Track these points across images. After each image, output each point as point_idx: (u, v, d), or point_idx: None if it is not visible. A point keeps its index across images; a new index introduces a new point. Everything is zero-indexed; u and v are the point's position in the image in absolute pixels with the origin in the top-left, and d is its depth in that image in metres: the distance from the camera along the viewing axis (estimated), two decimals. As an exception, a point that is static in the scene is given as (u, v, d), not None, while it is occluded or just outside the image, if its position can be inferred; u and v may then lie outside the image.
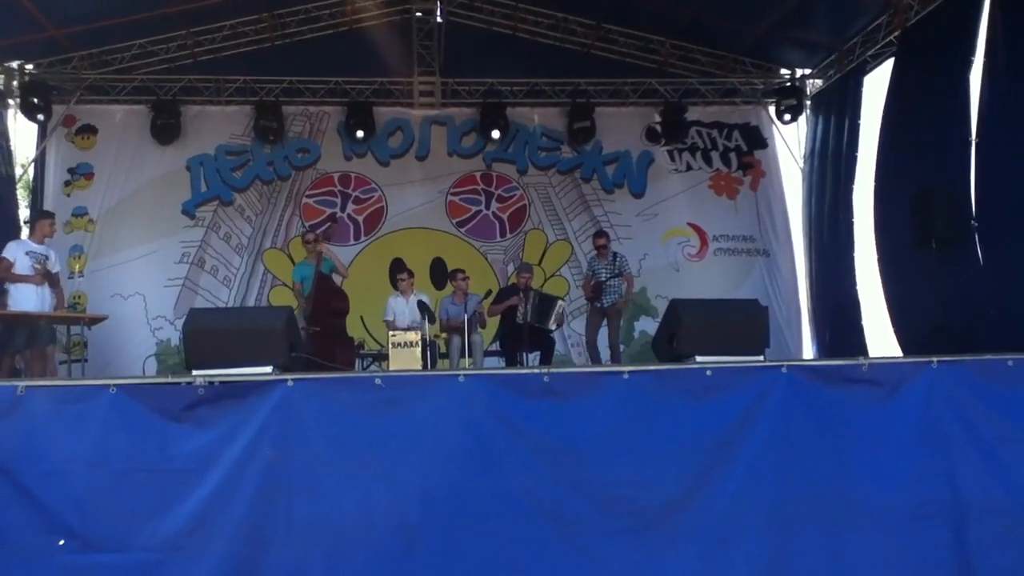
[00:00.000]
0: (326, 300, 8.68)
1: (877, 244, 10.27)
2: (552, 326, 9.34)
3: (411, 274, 9.69)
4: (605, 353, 9.63)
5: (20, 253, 8.08)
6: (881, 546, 4.82)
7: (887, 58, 10.55)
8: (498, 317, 9.62)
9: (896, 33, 10.22)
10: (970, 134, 8.60)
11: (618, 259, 9.70)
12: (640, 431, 4.85)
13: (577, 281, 11.73)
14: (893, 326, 9.95)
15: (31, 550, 4.37)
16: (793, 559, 4.79)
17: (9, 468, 4.41)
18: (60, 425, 4.54)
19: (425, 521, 4.63)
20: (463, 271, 9.58)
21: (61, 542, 4.36)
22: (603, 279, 9.53)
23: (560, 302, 9.36)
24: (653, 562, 4.70)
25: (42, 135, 11.55)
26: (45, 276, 8.07)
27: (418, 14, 11.59)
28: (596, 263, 9.80)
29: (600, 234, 10.23)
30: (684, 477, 4.83)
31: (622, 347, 10.33)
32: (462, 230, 12.25)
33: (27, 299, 7.96)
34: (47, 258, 8.21)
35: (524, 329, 8.93)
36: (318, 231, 9.88)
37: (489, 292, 9.72)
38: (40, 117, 11.21)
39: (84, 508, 4.45)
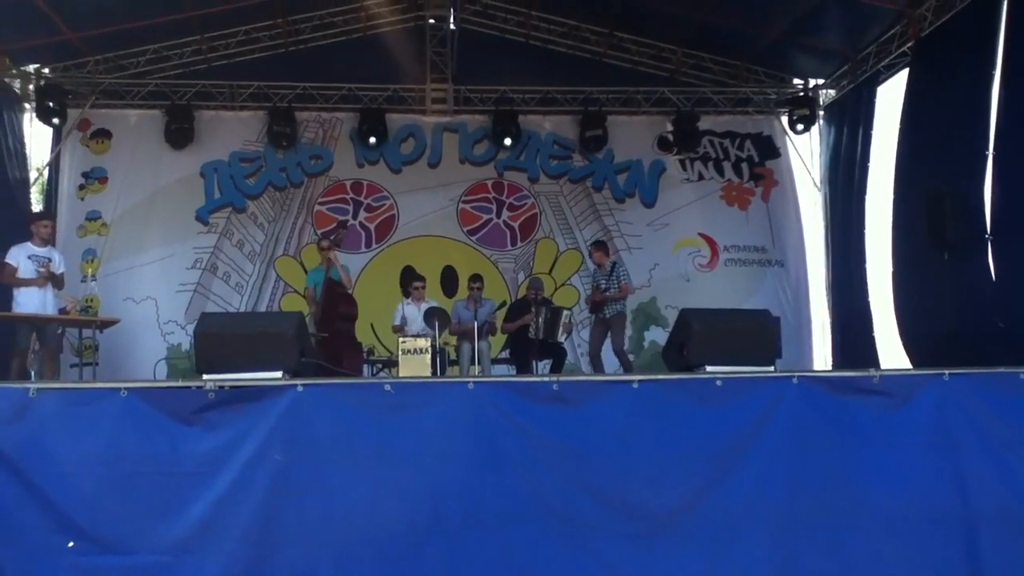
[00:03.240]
0: (335, 305, 8.69)
1: (893, 254, 10.21)
2: (562, 337, 9.34)
3: (425, 282, 9.72)
4: (612, 362, 9.54)
5: (23, 257, 8.15)
6: (891, 550, 4.82)
7: (901, 68, 10.52)
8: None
9: (910, 44, 10.21)
10: (987, 145, 8.55)
11: (615, 269, 9.58)
12: (650, 436, 4.85)
13: (588, 291, 11.72)
14: (901, 336, 9.89)
15: (41, 550, 4.38)
16: (802, 563, 4.78)
17: (21, 468, 4.42)
18: (71, 427, 4.55)
19: (434, 523, 4.63)
20: (480, 279, 9.57)
21: (71, 543, 4.38)
22: (604, 290, 9.48)
23: (566, 312, 9.35)
24: (662, 565, 4.70)
25: (57, 139, 11.60)
26: (49, 278, 8.15)
27: (431, 21, 11.63)
28: (598, 274, 9.76)
29: (597, 246, 10.00)
30: (694, 482, 4.83)
31: (632, 356, 10.27)
32: (473, 238, 12.25)
33: (31, 302, 8.07)
34: (50, 260, 8.27)
35: (535, 343, 8.95)
36: (330, 237, 9.94)
37: (504, 303, 9.69)
38: (55, 121, 11.26)
39: (94, 510, 4.46)
